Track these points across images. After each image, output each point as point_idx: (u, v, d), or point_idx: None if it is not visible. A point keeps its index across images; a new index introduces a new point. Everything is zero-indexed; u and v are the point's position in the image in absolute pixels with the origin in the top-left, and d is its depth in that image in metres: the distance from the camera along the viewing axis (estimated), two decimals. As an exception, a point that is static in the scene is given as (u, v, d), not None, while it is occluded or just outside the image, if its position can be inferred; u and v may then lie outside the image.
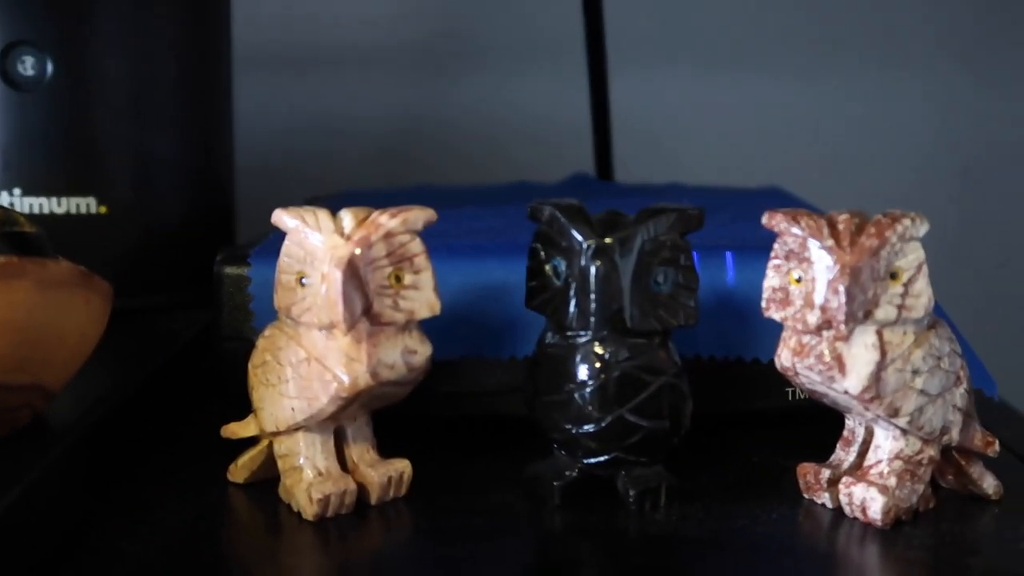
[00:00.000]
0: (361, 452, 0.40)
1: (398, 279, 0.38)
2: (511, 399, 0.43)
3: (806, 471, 0.40)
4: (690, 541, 0.37)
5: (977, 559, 0.36)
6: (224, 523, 0.39)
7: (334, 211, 0.38)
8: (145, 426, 0.45)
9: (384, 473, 0.40)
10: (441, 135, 0.83)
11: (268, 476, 0.41)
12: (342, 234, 0.37)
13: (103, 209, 0.54)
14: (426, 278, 0.38)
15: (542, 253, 0.40)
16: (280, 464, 0.40)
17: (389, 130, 0.83)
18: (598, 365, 0.38)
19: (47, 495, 0.34)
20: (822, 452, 0.40)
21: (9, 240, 0.37)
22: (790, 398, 0.46)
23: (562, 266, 0.39)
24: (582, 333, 0.38)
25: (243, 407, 0.41)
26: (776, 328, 0.39)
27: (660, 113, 0.78)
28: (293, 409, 0.38)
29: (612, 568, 0.35)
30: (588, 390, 0.38)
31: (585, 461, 0.39)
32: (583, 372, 0.38)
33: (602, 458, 0.39)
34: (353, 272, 0.36)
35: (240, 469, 0.41)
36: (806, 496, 0.40)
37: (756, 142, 0.83)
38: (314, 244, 0.37)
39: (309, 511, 0.38)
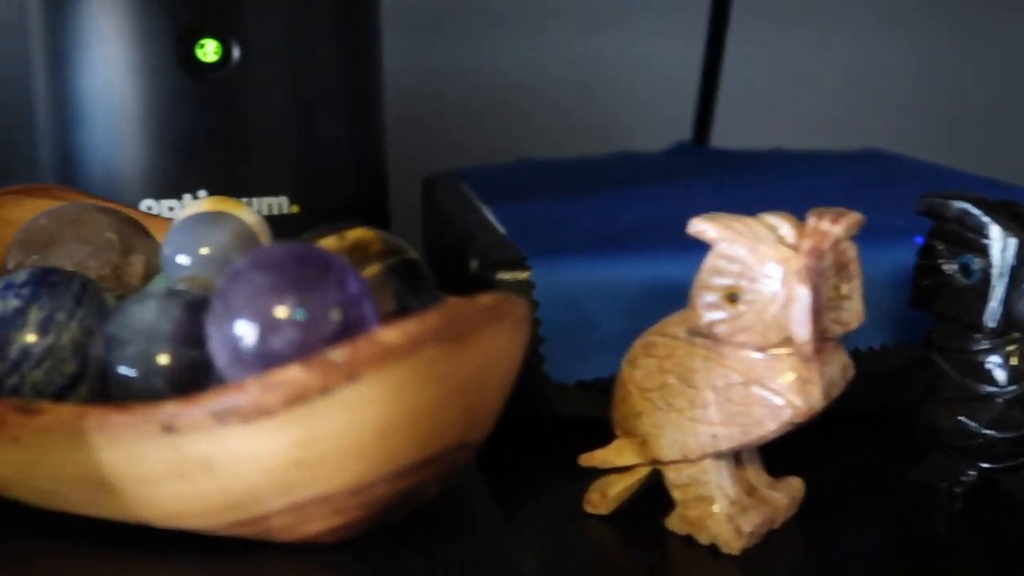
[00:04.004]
0: (757, 474, 0.36)
1: (836, 289, 0.33)
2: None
3: None
4: None
5: None
6: (613, 561, 0.34)
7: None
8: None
9: (787, 494, 0.36)
10: (519, 98, 0.77)
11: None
12: (786, 244, 0.32)
13: (295, 208, 0.47)
14: (857, 285, 0.34)
15: (943, 250, 0.36)
16: (677, 494, 0.35)
17: (467, 97, 0.76)
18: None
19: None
20: None
21: (400, 276, 0.31)
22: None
23: (975, 264, 0.35)
24: (998, 333, 0.35)
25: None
26: None
27: (739, 74, 0.74)
28: (715, 436, 0.33)
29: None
30: (1013, 394, 0.35)
31: (986, 465, 0.36)
32: (1007, 375, 0.35)
33: (1010, 462, 0.36)
34: (814, 287, 0.32)
35: (610, 500, 0.36)
36: None
37: (846, 103, 0.80)
38: (757, 257, 0.32)
39: (735, 544, 0.34)
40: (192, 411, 0.26)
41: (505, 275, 0.41)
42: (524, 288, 0.40)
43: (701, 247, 0.41)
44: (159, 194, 0.45)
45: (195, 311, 0.29)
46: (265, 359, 0.27)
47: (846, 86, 0.80)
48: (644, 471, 0.36)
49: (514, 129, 0.76)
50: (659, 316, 0.41)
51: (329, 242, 0.31)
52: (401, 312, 0.30)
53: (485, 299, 0.28)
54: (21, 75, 0.65)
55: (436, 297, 0.32)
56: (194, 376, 0.29)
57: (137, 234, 0.36)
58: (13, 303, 0.31)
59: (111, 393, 0.29)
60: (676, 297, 0.41)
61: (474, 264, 0.42)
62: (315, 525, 0.28)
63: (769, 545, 0.34)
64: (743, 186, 0.55)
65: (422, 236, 0.61)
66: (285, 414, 0.26)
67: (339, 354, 0.26)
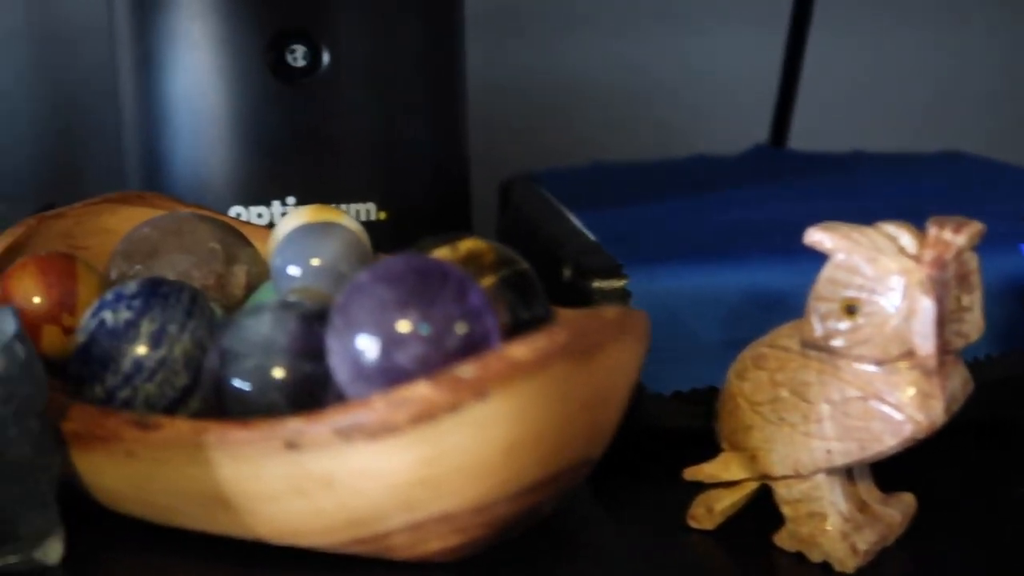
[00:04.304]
0: (869, 489, 0.35)
1: (957, 300, 0.32)
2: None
3: None
4: None
5: None
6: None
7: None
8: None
9: (900, 510, 0.35)
10: (590, 98, 0.76)
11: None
12: (907, 255, 0.31)
13: (382, 215, 0.46)
14: (978, 297, 0.33)
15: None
16: (788, 510, 0.34)
17: (538, 99, 0.75)
18: None
19: None
20: None
21: (513, 287, 0.30)
22: None
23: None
24: None
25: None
26: None
27: (817, 73, 0.73)
28: (829, 452, 0.33)
29: None
30: None
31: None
32: None
33: None
34: (938, 299, 0.31)
35: (716, 515, 0.35)
36: None
37: (925, 104, 0.78)
38: (878, 269, 0.31)
39: (850, 563, 0.33)
40: (316, 428, 0.26)
41: (601, 284, 0.40)
42: (620, 297, 0.40)
43: (801, 253, 0.40)
44: (248, 200, 0.45)
45: (310, 324, 0.29)
46: (389, 375, 0.26)
47: (925, 86, 0.78)
48: (752, 486, 0.35)
49: (584, 130, 0.76)
50: (758, 325, 0.40)
51: (442, 253, 0.30)
52: (515, 324, 0.30)
53: (610, 313, 0.27)
54: (95, 79, 0.66)
55: (547, 308, 0.31)
56: (311, 390, 0.28)
57: (239, 243, 0.35)
58: (124, 315, 0.30)
59: (226, 407, 0.29)
60: (776, 305, 0.40)
61: (567, 272, 0.41)
62: (435, 543, 0.27)
63: (880, 563, 0.33)
64: (828, 191, 0.54)
65: (498, 239, 0.60)
66: (412, 432, 0.25)
67: (468, 371, 0.25)
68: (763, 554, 0.34)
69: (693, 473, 0.36)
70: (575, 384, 0.26)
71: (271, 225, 0.44)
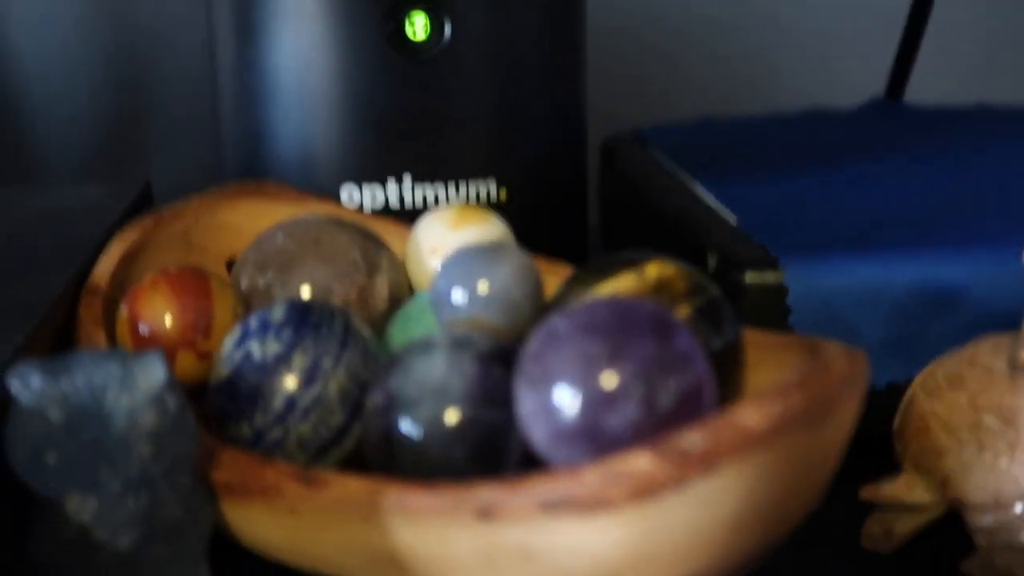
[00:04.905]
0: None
1: None
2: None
3: None
4: None
5: None
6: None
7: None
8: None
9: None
10: (696, 43, 0.71)
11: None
12: None
13: (503, 195, 0.43)
14: None
15: None
16: (982, 539, 0.31)
17: (645, 42, 0.70)
18: None
19: None
20: None
21: (707, 317, 0.27)
22: None
23: None
24: None
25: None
26: None
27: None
28: (1040, 485, 0.29)
29: None
30: None
31: None
32: None
33: None
34: None
35: (896, 538, 0.32)
36: None
37: None
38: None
39: (1055, 603, 0.30)
40: (516, 499, 0.23)
41: (754, 278, 0.36)
42: (775, 293, 0.36)
43: (975, 245, 0.37)
44: (360, 178, 0.41)
45: (489, 365, 0.25)
46: (595, 438, 0.23)
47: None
48: (938, 509, 0.32)
49: (689, 79, 0.71)
50: (926, 323, 0.37)
51: (627, 282, 0.27)
52: (707, 356, 0.26)
53: (839, 364, 0.24)
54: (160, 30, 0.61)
55: (737, 331, 0.28)
56: (491, 439, 0.25)
57: (380, 252, 0.32)
58: (273, 348, 0.27)
59: (395, 456, 0.26)
60: (947, 302, 0.37)
61: (712, 262, 0.38)
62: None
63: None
64: (960, 154, 0.50)
65: (599, 201, 0.57)
66: (628, 508, 0.22)
67: (694, 442, 0.22)
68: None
69: (872, 493, 0.33)
70: (806, 449, 0.23)
71: (384, 208, 0.41)
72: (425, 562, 0.24)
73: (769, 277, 0.36)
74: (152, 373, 0.24)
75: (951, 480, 0.31)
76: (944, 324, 0.36)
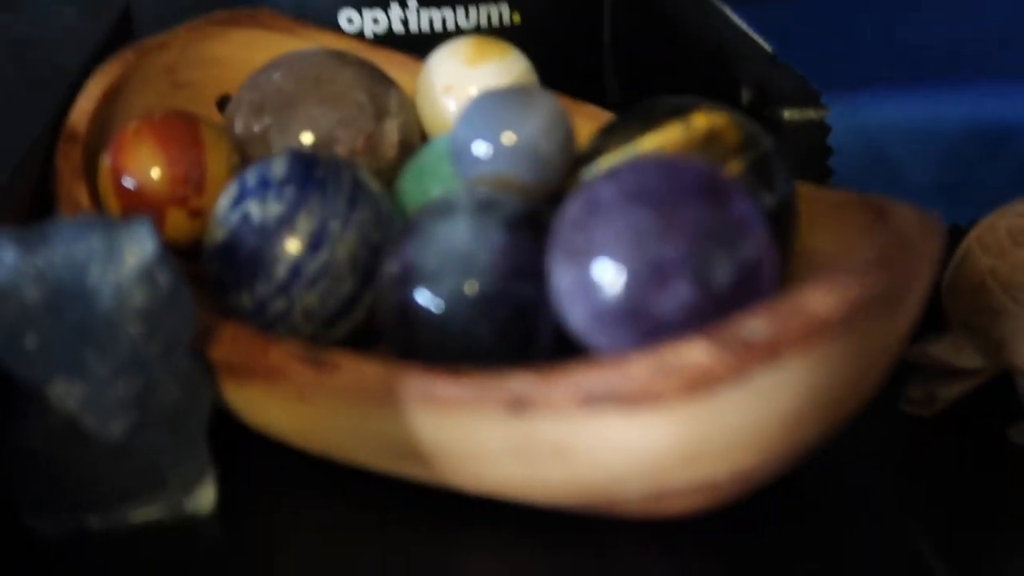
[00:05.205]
0: None
1: None
2: None
3: None
4: None
5: None
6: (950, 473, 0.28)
7: None
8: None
9: None
10: None
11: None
12: None
13: (516, 18, 0.39)
14: None
15: None
16: (1038, 408, 0.29)
17: None
18: None
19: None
20: None
21: (759, 173, 0.24)
22: None
23: None
24: None
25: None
26: None
27: None
28: (1109, 352, 0.27)
29: None
30: None
31: None
32: None
33: None
34: None
35: (939, 403, 0.30)
36: None
37: None
38: None
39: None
40: (551, 391, 0.20)
41: (794, 114, 0.33)
42: (817, 131, 0.33)
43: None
44: (360, 2, 0.38)
45: (518, 232, 0.23)
46: (642, 320, 0.20)
47: None
48: (987, 374, 0.30)
49: None
50: (981, 166, 0.34)
51: (673, 134, 0.24)
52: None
53: (915, 235, 0.21)
54: None
55: (791, 186, 0.25)
56: (521, 318, 0.22)
57: (388, 91, 0.29)
58: (275, 209, 0.24)
59: (413, 334, 0.23)
60: (1003, 141, 0.34)
61: (746, 96, 0.34)
62: (677, 506, 0.22)
63: None
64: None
65: (612, 25, 0.53)
66: (678, 403, 0.20)
67: (757, 329, 0.19)
68: (997, 448, 0.29)
69: (918, 354, 0.30)
70: (877, 336, 0.20)
71: (387, 35, 0.37)
72: (447, 453, 0.22)
73: (809, 114, 0.33)
74: (140, 245, 0.22)
75: (1007, 344, 0.28)
76: (999, 167, 0.33)
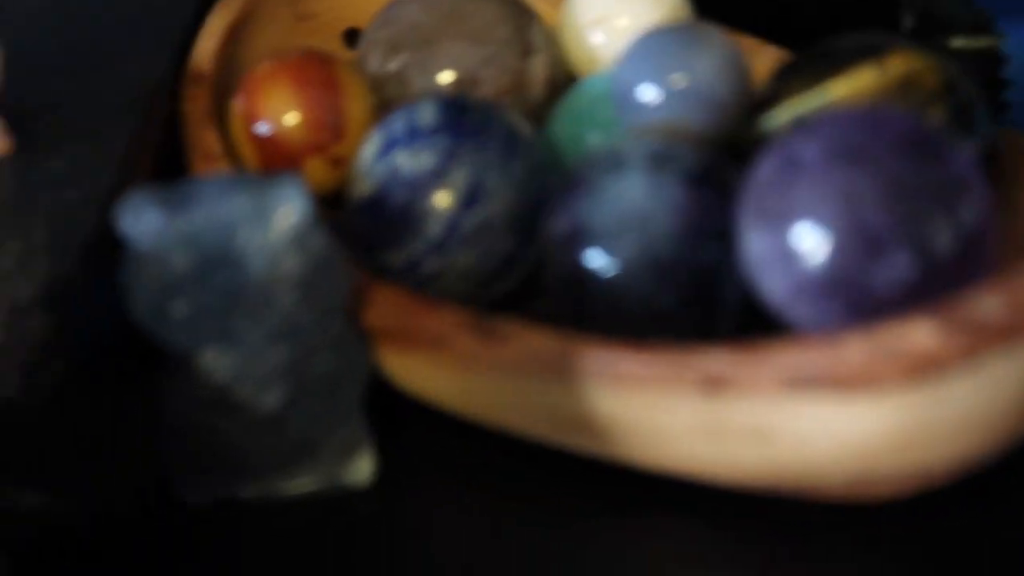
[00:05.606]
0: None
1: None
2: None
3: None
4: None
5: None
6: None
7: None
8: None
9: None
10: None
11: None
12: None
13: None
14: None
15: None
16: None
17: None
18: None
19: None
20: None
21: (961, 117, 0.22)
22: None
23: None
24: None
25: None
26: None
27: None
28: None
29: None
30: None
31: None
32: None
33: None
34: None
35: None
36: None
37: None
38: None
39: None
40: (752, 372, 0.18)
41: (964, 42, 0.31)
42: (989, 61, 0.30)
43: None
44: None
45: (698, 189, 0.21)
46: (853, 294, 0.18)
47: None
48: None
49: None
50: None
51: (867, 79, 0.21)
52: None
53: None
54: None
55: (994, 139, 0.22)
56: (703, 286, 0.21)
57: (532, 25, 0.27)
58: (427, 160, 0.22)
59: (584, 300, 0.21)
60: None
61: (908, 22, 0.32)
62: (884, 492, 0.20)
63: None
64: None
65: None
66: (898, 389, 0.18)
67: (990, 309, 0.17)
68: None
69: None
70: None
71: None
72: (628, 432, 0.20)
73: (982, 42, 0.30)
74: (291, 205, 0.20)
75: None
76: None
